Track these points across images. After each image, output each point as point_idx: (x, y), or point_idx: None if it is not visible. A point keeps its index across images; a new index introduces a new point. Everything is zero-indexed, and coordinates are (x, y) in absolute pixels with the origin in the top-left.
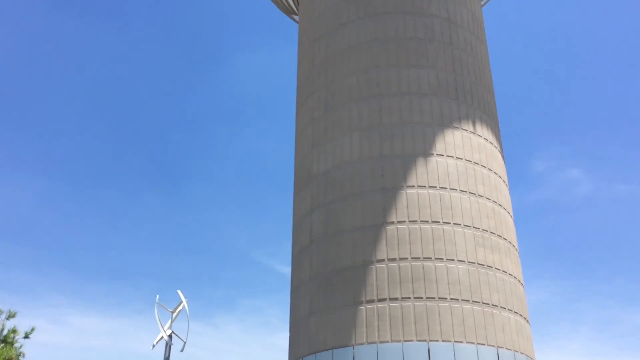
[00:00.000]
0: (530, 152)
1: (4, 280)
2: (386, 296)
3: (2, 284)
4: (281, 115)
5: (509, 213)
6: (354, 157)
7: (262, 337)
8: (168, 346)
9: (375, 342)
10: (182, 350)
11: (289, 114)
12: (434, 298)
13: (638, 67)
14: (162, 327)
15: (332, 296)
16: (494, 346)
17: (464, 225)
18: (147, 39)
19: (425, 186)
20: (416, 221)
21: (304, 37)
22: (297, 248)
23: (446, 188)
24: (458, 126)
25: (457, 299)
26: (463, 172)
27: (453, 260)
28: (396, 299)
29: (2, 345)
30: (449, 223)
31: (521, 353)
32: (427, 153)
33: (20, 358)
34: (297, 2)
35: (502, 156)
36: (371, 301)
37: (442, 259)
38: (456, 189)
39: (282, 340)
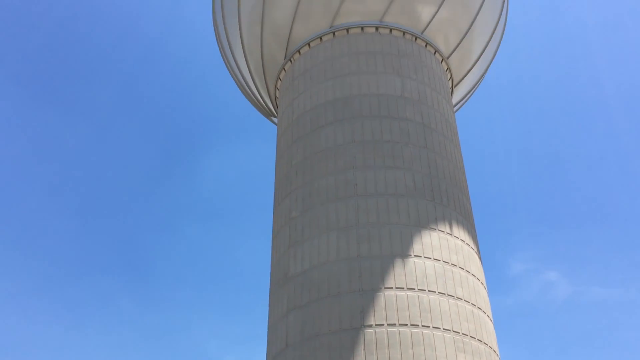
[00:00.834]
0: (508, 253)
1: None
2: None
3: None
4: (257, 215)
5: (488, 316)
6: (332, 258)
7: None
8: None
9: None
10: None
11: (265, 214)
12: None
13: (613, 170)
14: None
15: None
16: None
17: (444, 329)
18: (122, 135)
19: (403, 288)
20: (395, 324)
21: (283, 139)
22: (271, 352)
23: (424, 290)
24: (435, 227)
25: None
26: (441, 274)
27: None
28: None
29: None
30: (428, 327)
31: None
32: (404, 254)
33: None
34: (276, 105)
35: (480, 258)
36: None
37: None
38: (434, 291)
39: None
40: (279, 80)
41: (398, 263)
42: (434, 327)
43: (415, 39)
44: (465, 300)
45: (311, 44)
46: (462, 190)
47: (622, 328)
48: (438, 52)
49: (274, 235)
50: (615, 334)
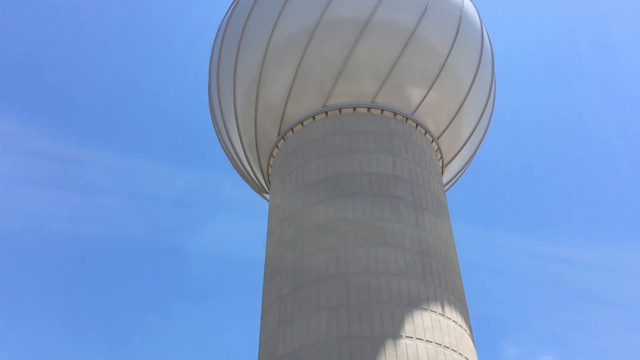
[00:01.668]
0: (501, 336)
1: None
2: None
3: None
4: (246, 293)
5: None
6: (322, 338)
7: None
8: None
9: None
10: None
11: (254, 291)
12: None
13: (605, 255)
14: None
15: None
16: None
17: None
18: (111, 209)
19: None
20: None
21: (274, 215)
22: None
23: None
24: (427, 308)
25: None
26: (433, 356)
27: None
28: None
29: None
30: None
31: None
32: (396, 335)
33: None
34: (269, 181)
35: (472, 340)
36: None
37: None
38: None
39: None
40: (272, 158)
41: (389, 344)
42: None
43: (406, 120)
44: None
45: (304, 123)
46: (454, 270)
47: None
48: (428, 133)
49: (263, 313)
50: None
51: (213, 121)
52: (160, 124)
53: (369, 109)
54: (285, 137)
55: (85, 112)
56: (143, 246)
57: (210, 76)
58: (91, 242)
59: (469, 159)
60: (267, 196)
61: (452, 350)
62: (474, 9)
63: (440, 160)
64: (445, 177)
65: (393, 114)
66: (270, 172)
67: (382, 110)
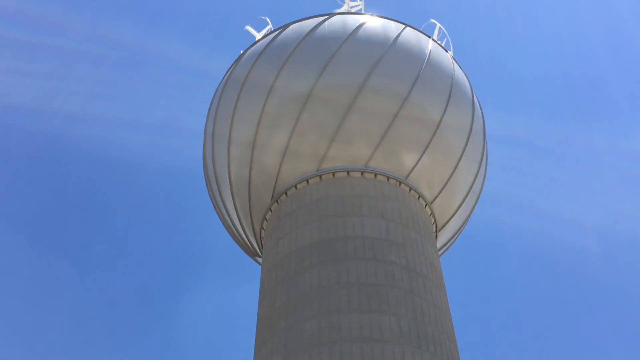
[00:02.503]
0: None
1: None
2: None
3: None
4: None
5: None
6: None
7: None
8: None
9: None
10: None
11: (245, 358)
12: None
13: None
14: None
15: None
16: None
17: None
18: (99, 276)
19: None
20: None
21: (266, 279)
22: None
23: None
24: None
25: None
26: None
27: None
28: None
29: None
30: None
31: None
32: None
33: None
34: (261, 245)
35: None
36: None
37: None
38: None
39: None
40: (265, 221)
41: None
42: None
43: (400, 184)
44: None
45: (298, 186)
46: (449, 336)
47: None
48: (422, 197)
49: None
50: None
51: (207, 183)
52: (154, 183)
53: (362, 173)
54: (279, 201)
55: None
56: (132, 311)
57: (205, 139)
58: (82, 306)
59: (463, 223)
60: (260, 260)
61: None
62: (465, 76)
63: (434, 224)
64: (439, 242)
65: (386, 178)
66: (263, 235)
67: (375, 175)
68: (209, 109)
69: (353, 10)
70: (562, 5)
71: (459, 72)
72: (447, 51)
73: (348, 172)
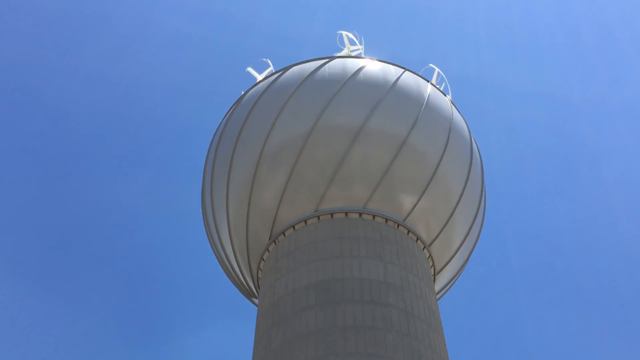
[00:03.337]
0: None
1: None
2: None
3: None
4: None
5: None
6: None
7: None
8: None
9: None
10: None
11: None
12: None
13: None
14: None
15: None
16: None
17: None
18: (96, 313)
19: None
20: None
21: (262, 321)
22: None
23: None
24: None
25: None
26: None
27: None
28: None
29: None
30: None
31: None
32: None
33: None
34: (258, 285)
35: None
36: None
37: None
38: None
39: None
40: (262, 261)
41: None
42: None
43: (398, 226)
44: None
45: (296, 227)
46: None
47: None
48: (420, 240)
49: None
50: None
51: (205, 223)
52: (151, 220)
53: (360, 214)
54: (276, 241)
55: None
56: (127, 350)
57: (204, 178)
58: (79, 342)
59: (461, 267)
60: (256, 301)
61: None
62: (463, 120)
63: (432, 267)
64: (438, 285)
65: (385, 220)
66: (260, 275)
67: (373, 216)
68: (209, 148)
69: (353, 54)
70: (567, 52)
71: (457, 116)
72: (445, 95)
73: (346, 213)
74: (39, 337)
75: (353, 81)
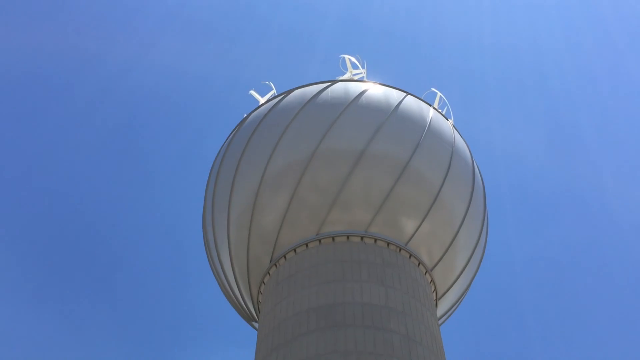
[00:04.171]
0: None
1: None
2: None
3: None
4: None
5: None
6: None
7: None
8: None
9: None
10: None
11: None
12: None
13: None
14: None
15: None
16: None
17: None
18: (95, 332)
19: None
20: None
21: (262, 345)
22: None
23: None
24: None
25: None
26: None
27: None
28: None
29: None
30: None
31: None
32: None
33: None
34: (258, 309)
35: None
36: None
37: None
38: None
39: None
40: (263, 284)
41: None
42: None
43: (400, 250)
44: None
45: (297, 250)
46: None
47: None
48: (422, 264)
49: None
50: None
51: (205, 246)
52: (151, 243)
53: (362, 238)
54: (277, 264)
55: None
56: None
57: (206, 201)
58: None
59: (464, 292)
60: (256, 325)
61: None
62: (465, 144)
63: (434, 292)
64: (440, 311)
65: (386, 244)
66: (260, 299)
67: (375, 240)
68: (211, 171)
69: (355, 77)
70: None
71: (459, 140)
72: (447, 119)
73: (348, 237)
74: None
75: (355, 105)
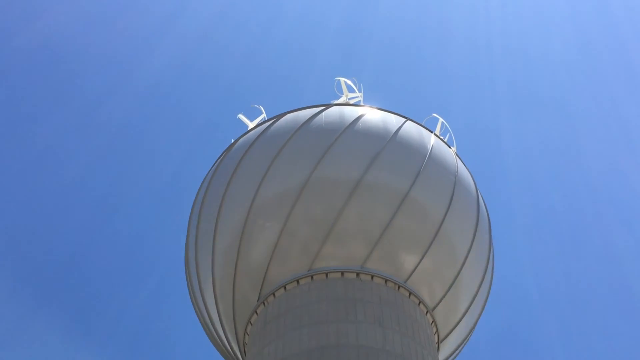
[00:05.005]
0: None
1: None
2: None
3: None
4: None
5: None
6: None
7: None
8: None
9: None
10: None
11: None
12: None
13: None
14: None
15: None
16: None
17: None
18: None
19: None
20: None
21: None
22: None
23: None
24: None
25: None
26: None
27: None
28: None
29: None
30: None
31: None
32: None
33: None
34: (244, 352)
35: None
36: None
37: None
38: None
39: None
40: (250, 325)
41: None
42: None
43: (399, 288)
44: None
45: (287, 287)
46: None
47: None
48: (423, 303)
49: None
50: None
51: (188, 282)
52: (129, 278)
53: (358, 274)
54: (265, 302)
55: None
56: None
57: (189, 233)
58: None
59: (468, 333)
60: None
61: None
62: (469, 173)
63: (436, 334)
64: (442, 354)
65: (384, 281)
66: (246, 341)
67: (372, 277)
68: (195, 200)
69: (351, 101)
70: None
71: (462, 169)
72: (450, 147)
73: (342, 273)
74: None
75: (351, 130)
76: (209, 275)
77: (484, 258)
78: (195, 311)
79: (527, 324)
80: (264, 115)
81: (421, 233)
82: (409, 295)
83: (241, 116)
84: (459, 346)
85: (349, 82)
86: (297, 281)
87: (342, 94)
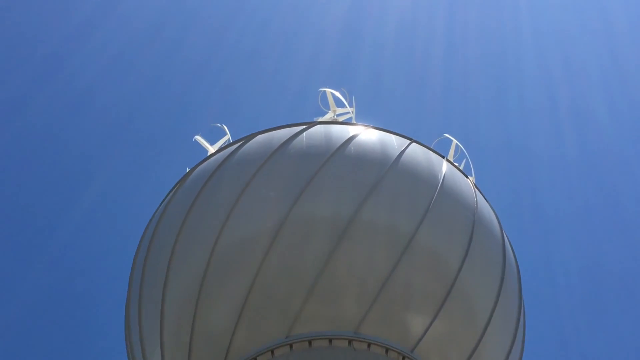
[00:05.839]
0: None
1: None
2: None
3: None
4: None
5: None
6: None
7: None
8: None
9: None
10: None
11: None
12: None
13: None
14: None
15: None
16: None
17: None
18: None
19: None
20: None
21: None
22: None
23: None
24: None
25: None
26: None
27: None
28: None
29: None
30: None
31: None
32: None
33: None
34: None
35: None
36: None
37: None
38: None
39: None
40: None
41: None
42: None
43: (403, 358)
44: None
45: (258, 359)
46: None
47: None
48: None
49: None
50: None
51: (128, 353)
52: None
53: (350, 341)
54: None
55: None
56: None
57: (130, 289)
58: None
59: None
60: None
61: None
62: (491, 210)
63: None
64: None
65: (384, 350)
66: None
67: (369, 345)
68: (139, 246)
69: (340, 118)
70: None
71: (483, 204)
72: (467, 177)
73: (330, 340)
74: None
75: (340, 156)
76: (156, 345)
77: (513, 319)
78: None
79: None
80: (228, 137)
81: (431, 288)
82: None
83: (199, 138)
84: None
85: (336, 93)
86: (272, 351)
87: (329, 109)
